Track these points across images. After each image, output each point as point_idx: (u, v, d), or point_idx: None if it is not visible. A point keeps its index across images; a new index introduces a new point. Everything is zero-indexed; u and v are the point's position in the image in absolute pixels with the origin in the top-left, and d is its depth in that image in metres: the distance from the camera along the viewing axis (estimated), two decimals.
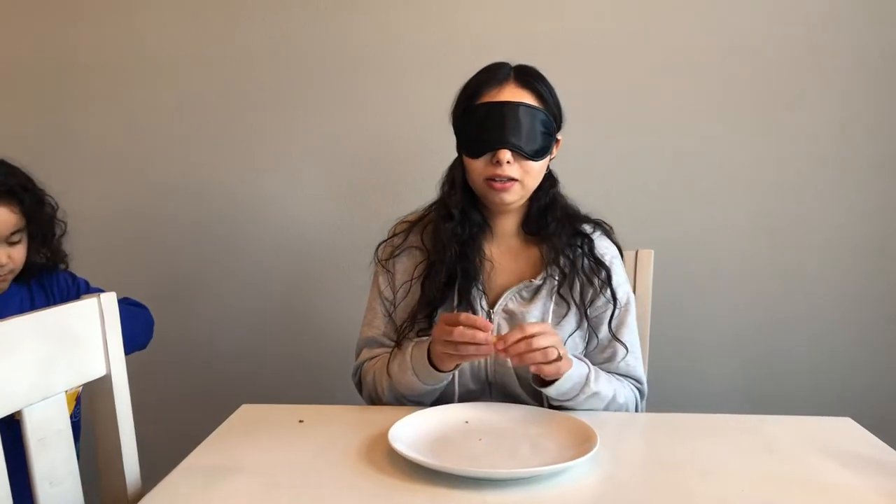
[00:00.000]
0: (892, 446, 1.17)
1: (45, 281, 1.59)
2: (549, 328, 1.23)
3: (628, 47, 2.02)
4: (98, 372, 1.12)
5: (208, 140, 2.12)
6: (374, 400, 1.44)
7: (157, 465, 1.17)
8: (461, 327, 1.20)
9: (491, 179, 1.34)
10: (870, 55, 1.98)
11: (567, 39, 2.02)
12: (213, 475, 1.08)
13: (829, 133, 2.02)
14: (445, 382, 1.36)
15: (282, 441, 1.21)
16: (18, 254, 1.48)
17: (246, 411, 1.37)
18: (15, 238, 1.46)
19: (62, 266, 1.61)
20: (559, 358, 1.21)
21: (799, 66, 2.00)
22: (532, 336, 1.19)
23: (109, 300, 1.14)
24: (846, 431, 1.26)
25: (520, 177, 1.35)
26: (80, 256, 1.63)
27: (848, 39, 1.98)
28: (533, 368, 1.23)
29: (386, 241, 1.52)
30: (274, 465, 1.11)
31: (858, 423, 1.28)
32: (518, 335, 1.20)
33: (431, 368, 1.30)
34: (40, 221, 1.52)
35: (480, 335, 1.19)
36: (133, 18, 2.09)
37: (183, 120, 2.12)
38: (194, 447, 1.19)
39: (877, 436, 1.22)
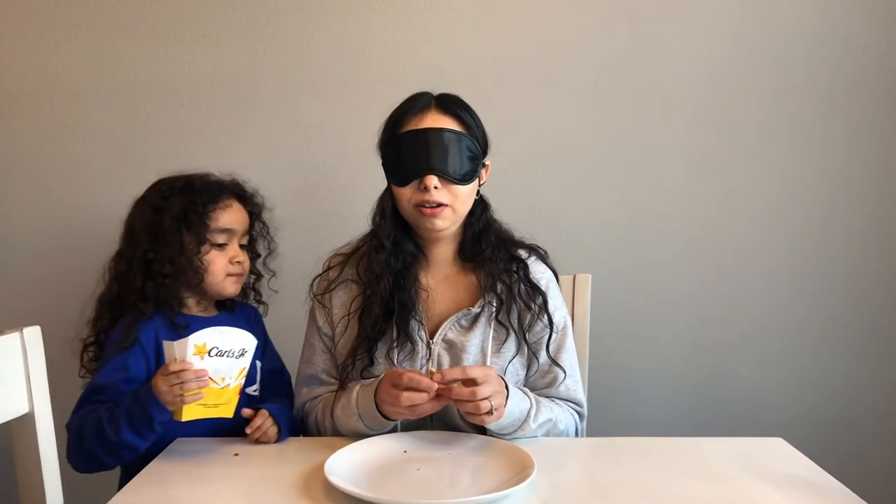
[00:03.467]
0: (822, 466, 1.20)
1: (240, 310, 1.61)
2: (492, 375, 1.22)
3: (574, 71, 2.04)
4: (20, 409, 1.07)
5: (138, 168, 2.06)
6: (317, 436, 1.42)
7: None
8: (406, 393, 1.20)
9: (420, 206, 1.34)
10: (817, 89, 2.06)
11: (512, 64, 2.03)
12: None
13: (768, 163, 2.07)
14: (392, 426, 1.34)
15: (217, 476, 1.18)
16: (247, 260, 1.53)
17: (180, 445, 1.33)
18: (245, 241, 1.53)
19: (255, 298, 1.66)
20: (490, 412, 1.20)
21: (745, 99, 2.05)
22: (475, 382, 1.19)
23: (33, 335, 1.10)
24: (778, 452, 1.28)
25: (449, 202, 1.35)
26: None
27: (794, 80, 2.05)
28: (462, 411, 1.23)
29: (321, 275, 1.51)
30: (209, 500, 1.08)
31: (791, 443, 1.31)
32: (457, 374, 1.20)
33: (379, 415, 1.28)
34: (259, 233, 1.59)
35: (426, 397, 1.20)
36: (68, 44, 2.03)
37: (111, 149, 2.06)
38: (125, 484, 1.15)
39: (809, 456, 1.25)
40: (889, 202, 2.08)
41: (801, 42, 2.03)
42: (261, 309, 1.67)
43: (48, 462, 1.10)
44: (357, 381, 1.38)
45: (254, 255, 1.58)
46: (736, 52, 2.03)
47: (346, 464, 1.16)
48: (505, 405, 1.25)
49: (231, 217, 1.48)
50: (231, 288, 1.49)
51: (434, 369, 1.24)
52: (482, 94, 1.43)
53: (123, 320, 1.40)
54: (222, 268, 1.47)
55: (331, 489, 1.07)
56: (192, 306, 1.50)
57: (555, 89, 2.05)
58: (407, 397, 1.19)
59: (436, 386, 1.20)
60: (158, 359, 1.37)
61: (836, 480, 1.14)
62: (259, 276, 1.63)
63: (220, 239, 1.46)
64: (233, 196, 1.51)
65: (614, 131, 2.06)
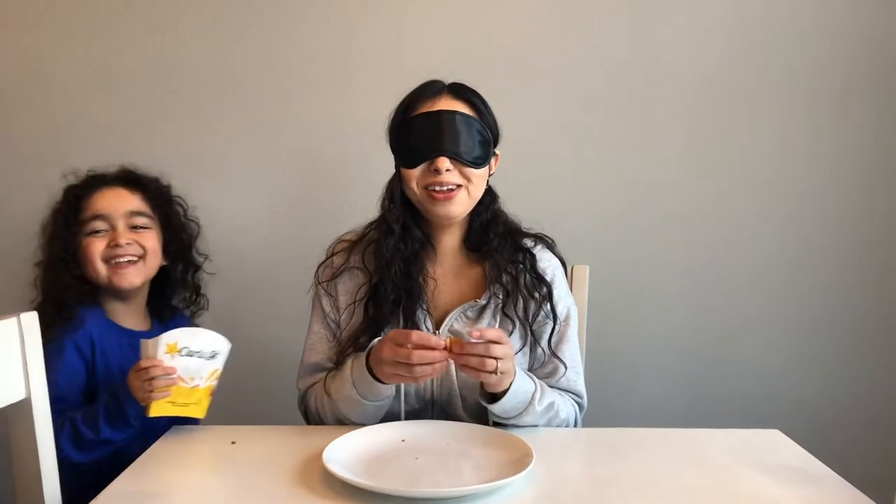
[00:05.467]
0: (818, 457, 1.21)
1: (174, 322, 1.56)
2: (506, 338, 1.22)
3: (573, 65, 2.04)
4: (16, 395, 1.07)
5: (136, 157, 2.04)
6: (319, 424, 1.40)
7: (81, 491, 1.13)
8: (419, 351, 1.18)
9: (432, 190, 1.34)
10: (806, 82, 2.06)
11: (511, 58, 2.03)
12: (140, 500, 1.04)
13: (766, 157, 2.08)
14: (387, 400, 1.33)
15: (213, 464, 1.18)
16: (148, 242, 1.48)
17: (176, 433, 1.32)
18: (139, 221, 1.48)
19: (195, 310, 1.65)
20: (495, 373, 1.19)
21: (738, 93, 2.05)
22: (489, 342, 1.19)
23: (30, 320, 1.09)
24: (775, 443, 1.29)
25: (462, 183, 1.34)
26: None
27: (786, 73, 2.05)
28: (461, 368, 1.23)
29: (325, 262, 1.49)
30: (204, 488, 1.09)
31: (787, 434, 1.31)
32: (494, 334, 1.20)
33: (373, 381, 1.27)
34: (169, 217, 1.56)
35: (437, 355, 1.18)
36: (63, 32, 2.02)
37: (108, 136, 2.05)
38: (121, 471, 1.14)
39: (805, 447, 1.25)
40: (885, 197, 2.09)
41: (798, 42, 2.04)
42: (202, 303, 1.67)
43: (45, 448, 1.09)
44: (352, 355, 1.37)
45: (169, 244, 1.55)
46: (735, 50, 2.04)
47: (345, 452, 1.15)
48: (513, 380, 1.26)
49: (105, 202, 1.46)
50: (120, 279, 1.45)
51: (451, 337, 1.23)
52: (481, 88, 1.43)
53: (52, 332, 1.38)
54: (97, 254, 1.44)
55: (329, 477, 1.07)
56: (126, 317, 1.51)
57: (555, 83, 2.05)
58: (419, 355, 1.18)
59: (444, 342, 1.19)
60: (95, 363, 1.42)
61: (831, 471, 1.15)
62: (187, 267, 1.60)
63: (96, 226, 1.45)
64: (115, 183, 1.51)
65: (613, 123, 2.06)
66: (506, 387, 1.25)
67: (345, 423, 1.35)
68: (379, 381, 1.27)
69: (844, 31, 2.04)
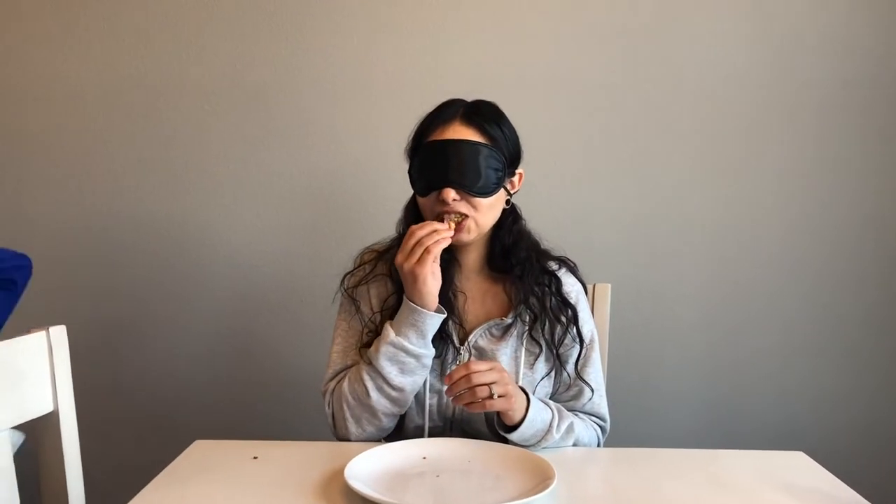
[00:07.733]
0: (843, 480, 1.19)
1: None
2: (479, 364, 1.22)
3: (591, 82, 2.05)
4: (44, 408, 1.08)
5: (160, 170, 2.09)
6: (345, 417, 1.36)
7: None
8: (422, 228, 1.28)
9: (443, 218, 1.34)
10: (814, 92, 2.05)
11: (531, 74, 2.04)
12: None
13: (795, 174, 2.07)
14: (430, 356, 1.32)
15: (236, 478, 1.19)
16: None
17: (199, 447, 1.33)
18: None
19: None
20: (490, 396, 1.20)
21: (755, 105, 2.05)
22: (475, 372, 1.20)
23: (59, 334, 1.11)
24: (799, 465, 1.27)
25: (469, 213, 1.34)
26: (26, 292, 1.59)
27: (801, 78, 2.05)
28: (461, 403, 1.23)
29: (353, 270, 1.49)
30: (227, 503, 1.09)
31: (812, 457, 1.30)
32: (462, 372, 1.21)
33: (418, 308, 1.29)
34: None
35: (437, 224, 1.29)
36: (89, 46, 2.06)
37: (133, 150, 2.08)
38: (145, 484, 1.15)
39: (830, 470, 1.24)
40: None
41: (817, 51, 2.03)
42: None
43: (71, 461, 1.11)
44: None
45: None
46: (755, 63, 2.04)
47: (366, 469, 1.15)
48: (527, 410, 1.26)
49: None
50: None
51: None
52: (497, 101, 1.43)
53: None
54: None
55: (350, 494, 1.07)
56: None
57: (574, 100, 2.05)
58: (418, 231, 1.28)
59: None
60: None
61: (857, 495, 1.13)
62: None
63: None
64: None
65: (633, 140, 2.06)
66: (517, 408, 1.25)
67: (370, 412, 1.34)
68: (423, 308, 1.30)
69: (864, 41, 2.03)
